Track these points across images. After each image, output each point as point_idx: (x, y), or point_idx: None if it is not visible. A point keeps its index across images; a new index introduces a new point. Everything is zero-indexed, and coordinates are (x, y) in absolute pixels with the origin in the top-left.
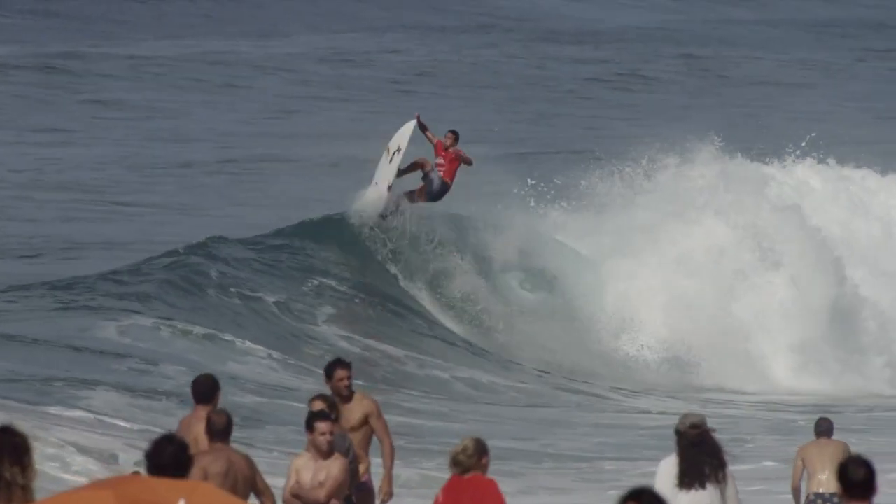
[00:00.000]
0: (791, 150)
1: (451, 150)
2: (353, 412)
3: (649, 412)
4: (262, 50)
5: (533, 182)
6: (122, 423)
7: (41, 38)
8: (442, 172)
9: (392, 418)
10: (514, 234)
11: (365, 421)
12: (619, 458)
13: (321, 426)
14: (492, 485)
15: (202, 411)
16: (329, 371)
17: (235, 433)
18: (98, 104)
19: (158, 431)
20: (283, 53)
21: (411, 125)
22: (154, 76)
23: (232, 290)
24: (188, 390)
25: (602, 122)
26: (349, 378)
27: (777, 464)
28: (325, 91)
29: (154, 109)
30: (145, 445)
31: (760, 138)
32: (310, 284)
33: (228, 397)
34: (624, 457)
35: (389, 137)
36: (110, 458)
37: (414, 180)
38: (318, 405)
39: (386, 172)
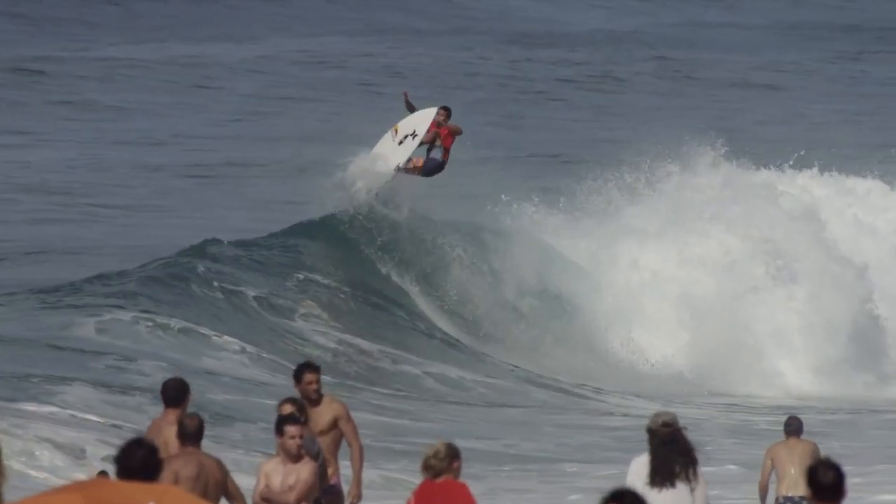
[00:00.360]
0: (780, 161)
1: (444, 126)
2: (323, 415)
3: (612, 413)
4: (234, 53)
5: (508, 196)
6: (93, 419)
7: (12, 40)
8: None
9: (358, 415)
10: (510, 237)
11: (334, 424)
12: (580, 460)
13: (290, 430)
14: (463, 489)
15: (171, 415)
16: (298, 374)
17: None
18: (69, 106)
19: (129, 426)
20: (255, 56)
21: (432, 112)
22: (126, 78)
23: (215, 283)
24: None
25: (580, 124)
26: (317, 382)
27: (737, 468)
28: (296, 93)
29: (125, 112)
30: (114, 440)
31: (736, 142)
32: (294, 279)
33: (204, 394)
34: (585, 459)
35: (394, 117)
36: (79, 453)
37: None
38: (288, 409)
39: (394, 153)
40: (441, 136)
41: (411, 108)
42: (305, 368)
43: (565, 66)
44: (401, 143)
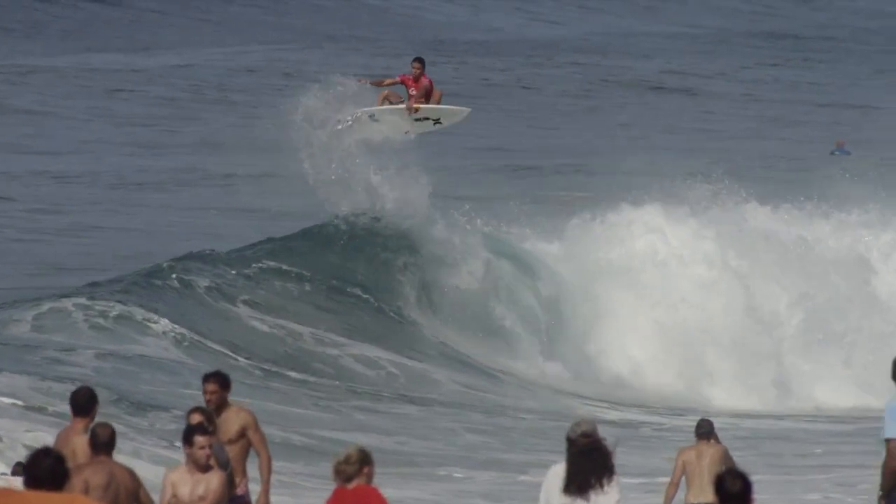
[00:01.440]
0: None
1: (422, 80)
2: (230, 424)
3: (506, 414)
4: (151, 59)
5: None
6: (19, 404)
7: None
8: (408, 100)
9: (262, 404)
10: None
11: (242, 433)
12: (466, 465)
13: (200, 440)
14: (375, 493)
15: (80, 424)
16: (202, 381)
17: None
18: None
19: (54, 410)
20: (171, 64)
21: (464, 113)
22: (40, 85)
23: (173, 276)
24: (92, 375)
25: (501, 129)
26: (214, 392)
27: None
28: (214, 99)
29: (37, 117)
30: (39, 427)
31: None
32: (254, 268)
33: (125, 382)
34: (471, 463)
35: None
36: None
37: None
38: (196, 418)
39: (405, 121)
40: (419, 92)
41: (378, 84)
42: (207, 378)
43: (483, 71)
44: (418, 120)
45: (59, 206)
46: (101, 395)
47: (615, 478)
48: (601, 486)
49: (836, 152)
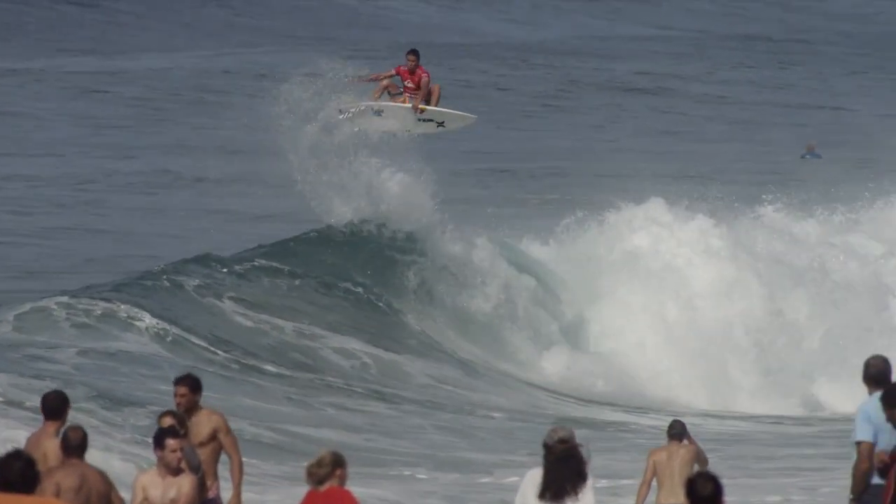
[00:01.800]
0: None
1: (417, 71)
2: (202, 427)
3: (473, 413)
4: (122, 63)
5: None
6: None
7: None
8: (414, 99)
9: (235, 399)
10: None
11: (213, 436)
12: (430, 466)
13: (171, 443)
14: (347, 495)
15: (51, 427)
16: (174, 385)
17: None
18: None
19: (31, 405)
20: (145, 67)
21: (470, 120)
22: (11, 86)
23: (164, 277)
24: (73, 373)
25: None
26: (185, 396)
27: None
28: (187, 101)
29: (7, 118)
30: (13, 423)
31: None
32: (245, 265)
33: (106, 378)
34: (434, 465)
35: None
36: None
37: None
38: (168, 421)
39: (410, 118)
40: (416, 84)
41: (375, 79)
42: (177, 381)
43: (458, 73)
44: (421, 120)
45: (31, 209)
46: (79, 391)
47: (589, 483)
48: (576, 493)
49: (807, 156)
